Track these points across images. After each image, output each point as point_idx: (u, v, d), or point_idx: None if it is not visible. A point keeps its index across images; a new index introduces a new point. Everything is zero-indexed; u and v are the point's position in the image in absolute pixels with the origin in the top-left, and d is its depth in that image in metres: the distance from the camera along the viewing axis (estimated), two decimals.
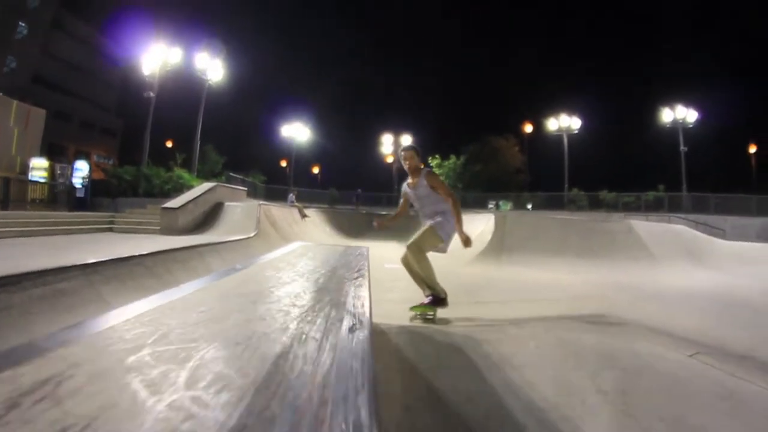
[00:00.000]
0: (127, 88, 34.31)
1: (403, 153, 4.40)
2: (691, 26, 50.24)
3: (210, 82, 24.02)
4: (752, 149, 34.10)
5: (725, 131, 35.68)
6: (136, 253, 5.22)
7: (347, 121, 48.07)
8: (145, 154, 20.64)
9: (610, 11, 58.03)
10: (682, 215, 21.94)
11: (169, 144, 33.20)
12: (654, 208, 26.48)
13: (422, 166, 4.40)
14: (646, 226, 13.66)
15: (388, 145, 37.50)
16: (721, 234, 18.00)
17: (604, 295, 6.22)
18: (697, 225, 17.94)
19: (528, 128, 37.84)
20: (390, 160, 37.55)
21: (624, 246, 11.37)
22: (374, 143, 38.73)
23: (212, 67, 24.15)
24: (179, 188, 17.85)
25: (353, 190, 31.76)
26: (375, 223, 4.59)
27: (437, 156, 38.17)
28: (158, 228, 11.89)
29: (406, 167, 4.40)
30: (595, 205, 28.90)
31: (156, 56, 22.10)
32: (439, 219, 4.12)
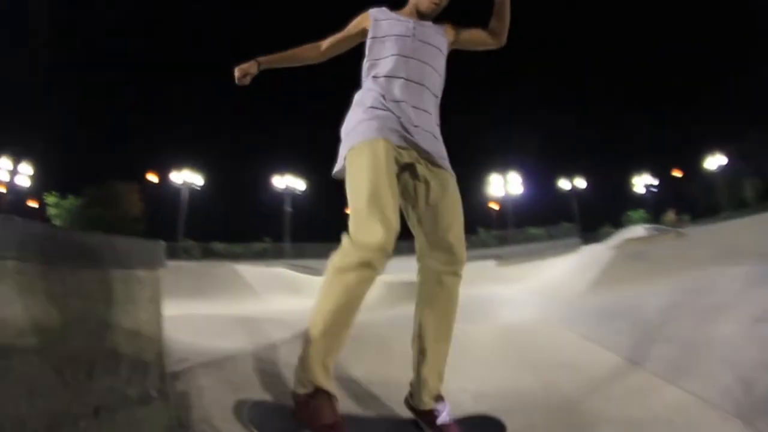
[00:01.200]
0: None
1: None
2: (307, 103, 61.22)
3: None
4: (348, 210, 45.50)
5: (328, 197, 46.26)
6: None
7: None
8: None
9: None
10: (285, 261, 26.36)
11: None
12: (261, 256, 30.91)
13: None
14: (251, 270, 16.02)
15: None
16: (318, 272, 22.91)
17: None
18: (297, 267, 22.47)
19: (153, 178, 36.75)
20: None
21: (231, 286, 12.77)
22: None
23: None
24: None
25: None
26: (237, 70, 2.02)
27: (54, 193, 31.83)
28: None
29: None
30: (208, 255, 31.32)
31: None
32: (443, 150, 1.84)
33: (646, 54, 53.74)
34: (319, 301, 1.45)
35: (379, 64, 1.87)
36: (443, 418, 1.49)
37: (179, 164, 34.32)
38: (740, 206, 33.49)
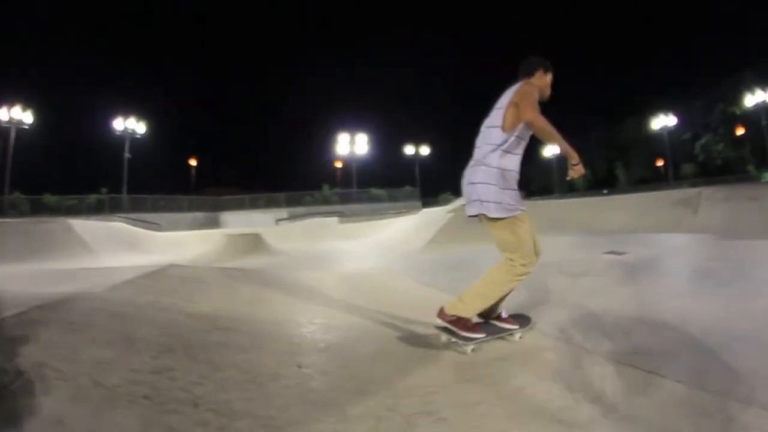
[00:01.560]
0: None
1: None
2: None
3: None
4: (193, 162, 42.79)
5: (172, 145, 43.95)
6: None
7: None
8: None
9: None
10: (123, 215, 23.94)
11: None
12: (96, 209, 27.41)
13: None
14: (85, 225, 14.37)
15: None
16: (158, 227, 21.28)
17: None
18: (136, 222, 20.58)
19: None
20: None
21: (64, 244, 11.81)
22: None
23: None
24: None
25: None
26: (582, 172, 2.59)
27: None
28: None
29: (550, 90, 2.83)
30: (38, 209, 27.25)
31: None
32: None
33: (508, 42, 59.46)
34: (497, 285, 2.54)
35: (520, 146, 2.60)
36: (504, 315, 2.68)
37: (9, 99, 27.67)
38: (570, 191, 39.15)
